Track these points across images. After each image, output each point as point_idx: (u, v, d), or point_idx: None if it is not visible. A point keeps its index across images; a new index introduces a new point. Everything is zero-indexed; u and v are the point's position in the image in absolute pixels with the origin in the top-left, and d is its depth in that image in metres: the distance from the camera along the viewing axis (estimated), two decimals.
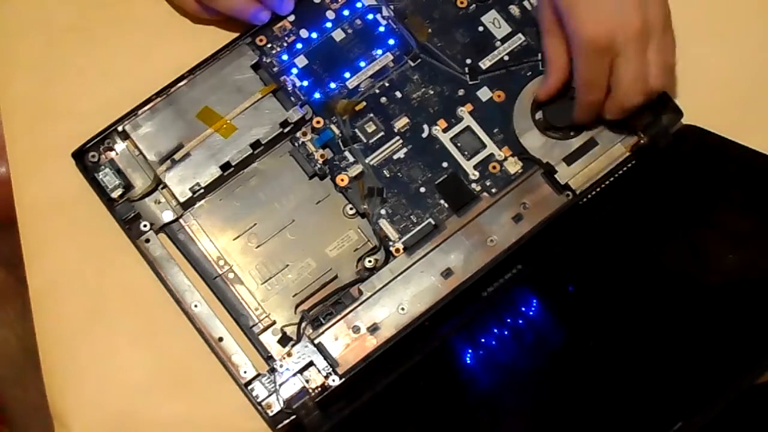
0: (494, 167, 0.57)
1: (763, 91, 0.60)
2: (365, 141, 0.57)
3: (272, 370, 0.53)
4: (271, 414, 0.53)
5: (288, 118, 0.56)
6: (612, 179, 0.56)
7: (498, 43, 0.59)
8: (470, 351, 0.52)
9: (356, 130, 0.57)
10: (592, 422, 0.48)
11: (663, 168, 0.56)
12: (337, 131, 0.57)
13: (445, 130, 0.58)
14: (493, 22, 0.59)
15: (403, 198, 0.56)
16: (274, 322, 0.55)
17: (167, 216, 0.56)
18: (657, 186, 0.56)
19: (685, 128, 0.57)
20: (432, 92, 0.58)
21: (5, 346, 0.98)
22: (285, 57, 0.58)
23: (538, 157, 0.57)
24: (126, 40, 0.61)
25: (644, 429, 0.46)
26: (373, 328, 0.54)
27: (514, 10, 0.59)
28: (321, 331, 0.54)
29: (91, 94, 0.59)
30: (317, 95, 0.58)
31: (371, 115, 0.58)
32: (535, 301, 0.53)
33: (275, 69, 0.58)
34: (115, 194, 0.56)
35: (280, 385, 0.53)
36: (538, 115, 0.58)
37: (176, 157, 0.56)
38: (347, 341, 0.54)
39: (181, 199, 0.55)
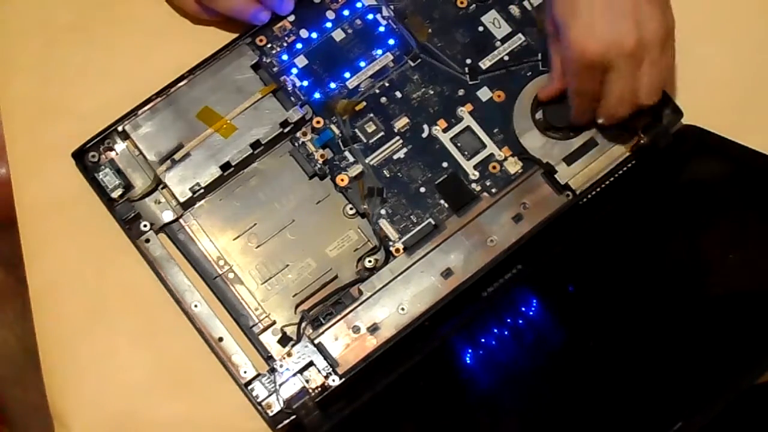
0: (494, 167, 0.57)
1: (763, 91, 0.60)
2: (365, 141, 0.57)
3: (272, 370, 0.53)
4: (271, 414, 0.53)
5: (288, 118, 0.56)
6: (612, 179, 0.56)
7: (498, 43, 0.59)
8: (470, 351, 0.52)
9: (356, 130, 0.57)
10: (592, 422, 0.48)
11: (663, 168, 0.56)
12: (337, 131, 0.57)
13: (445, 130, 0.57)
14: (493, 22, 0.59)
15: (403, 198, 0.56)
16: (274, 322, 0.55)
17: (167, 216, 0.56)
18: (657, 186, 0.56)
19: (685, 128, 0.57)
20: (432, 92, 0.58)
21: (5, 346, 0.98)
22: (285, 57, 0.58)
23: (538, 157, 0.57)
24: (126, 40, 0.61)
25: (644, 429, 0.46)
26: (373, 328, 0.54)
27: (514, 10, 0.59)
28: (321, 331, 0.54)
29: (91, 94, 0.59)
30: (317, 95, 0.58)
31: (371, 115, 0.58)
32: (535, 301, 0.53)
33: (275, 69, 0.58)
34: (115, 194, 0.56)
35: (280, 385, 0.53)
36: (538, 115, 0.58)
37: (176, 157, 0.56)
38: (347, 341, 0.53)
39: (181, 199, 0.55)
